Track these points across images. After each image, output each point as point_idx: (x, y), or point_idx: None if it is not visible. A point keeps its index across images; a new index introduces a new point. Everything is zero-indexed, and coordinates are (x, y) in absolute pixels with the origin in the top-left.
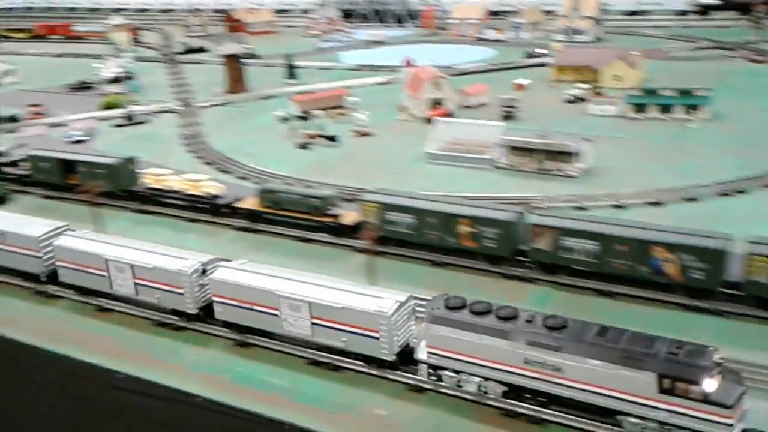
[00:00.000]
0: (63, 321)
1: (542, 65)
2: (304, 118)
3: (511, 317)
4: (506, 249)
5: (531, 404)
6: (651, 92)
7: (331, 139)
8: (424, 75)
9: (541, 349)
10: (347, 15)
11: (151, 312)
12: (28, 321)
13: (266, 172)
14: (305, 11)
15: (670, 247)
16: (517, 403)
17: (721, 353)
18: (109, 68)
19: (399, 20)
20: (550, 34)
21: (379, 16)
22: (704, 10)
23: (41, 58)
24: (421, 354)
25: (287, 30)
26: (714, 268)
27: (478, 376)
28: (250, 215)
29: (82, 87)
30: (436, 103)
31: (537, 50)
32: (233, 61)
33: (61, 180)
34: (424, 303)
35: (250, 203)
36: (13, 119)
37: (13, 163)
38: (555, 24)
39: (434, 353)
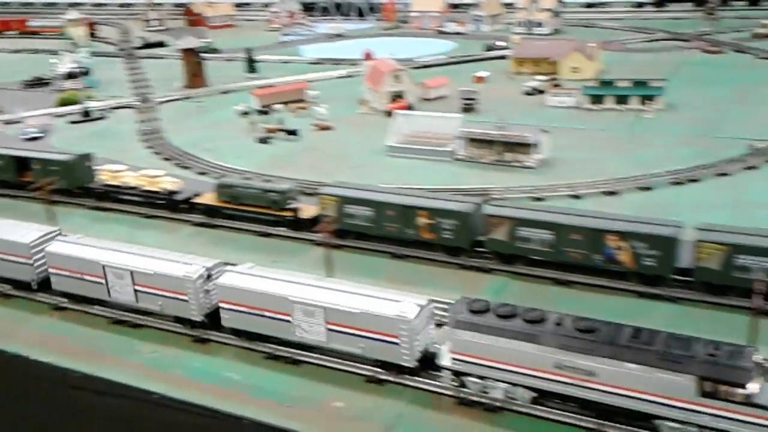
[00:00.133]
0: (17, 320)
1: (502, 57)
2: (264, 113)
3: (539, 320)
4: (464, 240)
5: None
6: (607, 84)
7: (292, 133)
8: (384, 68)
9: (573, 353)
10: (308, 8)
11: (105, 309)
12: None
13: (226, 167)
14: (266, 5)
15: (623, 235)
16: (467, 390)
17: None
18: (65, 64)
19: (360, 13)
20: (509, 26)
21: (341, 10)
22: (661, 2)
23: None
24: (445, 360)
25: (248, 24)
26: (665, 256)
27: (505, 382)
28: (209, 210)
29: (38, 83)
30: (397, 96)
31: (497, 43)
32: (192, 55)
33: (14, 178)
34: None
35: (209, 198)
36: None
37: None
38: (515, 16)
39: (458, 359)
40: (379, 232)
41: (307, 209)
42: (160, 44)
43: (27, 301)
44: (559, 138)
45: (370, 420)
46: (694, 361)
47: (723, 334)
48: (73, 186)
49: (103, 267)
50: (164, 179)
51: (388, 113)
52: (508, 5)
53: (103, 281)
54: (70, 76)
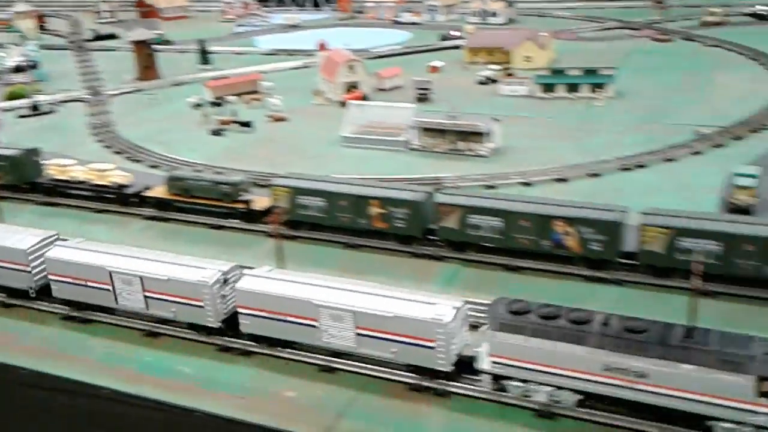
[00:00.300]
0: None
1: (457, 47)
2: (217, 104)
3: (585, 321)
4: (416, 228)
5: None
6: (559, 72)
7: (245, 124)
8: (338, 58)
9: (623, 355)
10: None
11: (56, 306)
12: None
13: (178, 159)
14: None
15: (570, 220)
16: (420, 376)
17: None
18: (13, 57)
19: (315, 4)
20: (464, 16)
21: (295, 0)
22: None
23: None
24: (484, 364)
25: (202, 15)
26: (611, 240)
27: (550, 385)
28: (160, 204)
29: None
30: (352, 87)
31: (452, 33)
32: (143, 47)
33: None
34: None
35: (160, 192)
36: None
37: None
38: (469, 6)
39: (500, 362)
40: (332, 223)
41: (260, 201)
42: (112, 36)
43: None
44: (512, 126)
45: (322, 408)
46: (753, 360)
47: (665, 315)
48: (20, 182)
49: (110, 273)
50: (113, 173)
51: (343, 104)
52: None
53: (110, 288)
54: (18, 69)
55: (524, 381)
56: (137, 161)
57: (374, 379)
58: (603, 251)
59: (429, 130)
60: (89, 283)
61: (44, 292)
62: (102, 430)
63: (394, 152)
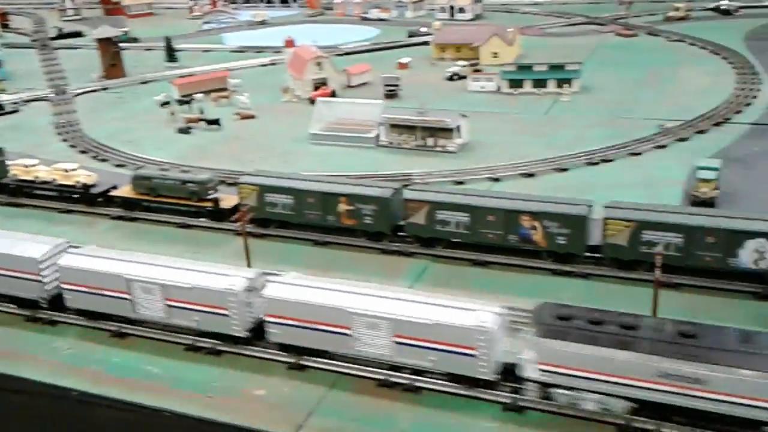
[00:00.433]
0: None
1: (425, 44)
2: (184, 102)
3: (636, 326)
4: (384, 225)
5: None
6: (526, 68)
7: (213, 122)
8: (306, 55)
9: (678, 361)
10: None
11: (20, 308)
12: None
13: (145, 158)
14: None
15: (536, 215)
16: (392, 373)
17: None
18: None
19: (283, 0)
20: (432, 12)
21: None
22: None
23: None
24: (530, 371)
25: (169, 12)
26: (576, 234)
27: (600, 393)
28: (126, 203)
29: None
30: (320, 84)
31: (420, 29)
32: (109, 45)
33: None
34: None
35: (126, 191)
36: None
37: None
38: (437, 2)
39: (546, 370)
40: (300, 220)
41: (228, 199)
42: (78, 34)
43: None
44: (480, 122)
45: (292, 406)
46: None
47: (630, 306)
48: None
49: (128, 281)
50: (78, 172)
51: (312, 101)
52: None
53: (128, 296)
54: None
55: (571, 389)
56: (103, 160)
57: (344, 376)
58: (568, 245)
59: (397, 127)
60: (105, 292)
61: (55, 302)
62: None
63: (362, 149)
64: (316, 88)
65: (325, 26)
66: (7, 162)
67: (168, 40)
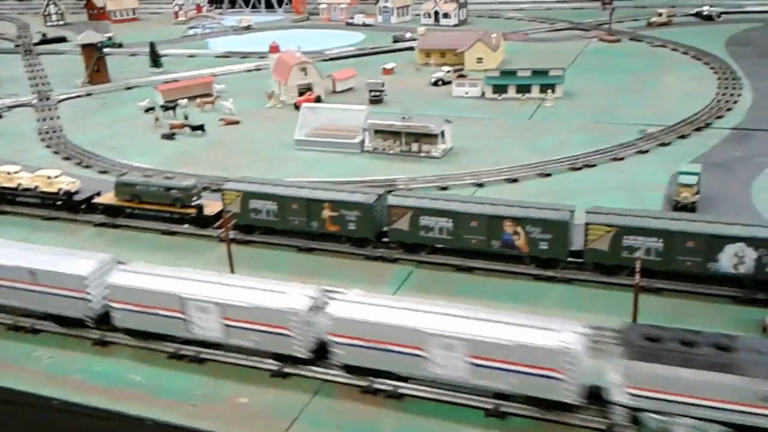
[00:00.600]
0: None
1: (411, 49)
2: (168, 108)
3: (732, 347)
4: (368, 231)
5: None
6: (509, 73)
7: (198, 128)
8: (290, 61)
9: None
10: (216, 1)
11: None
12: None
13: (129, 164)
14: None
15: (518, 220)
16: (376, 379)
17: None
18: None
19: (269, 5)
20: (417, 18)
21: (249, 2)
22: None
23: None
24: (618, 395)
25: (153, 17)
26: (559, 239)
27: (694, 418)
28: (110, 210)
29: None
30: (306, 89)
31: (406, 34)
32: (93, 50)
33: None
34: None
35: (109, 198)
36: None
37: None
38: (422, 8)
39: (636, 394)
40: (284, 226)
41: (212, 206)
42: (62, 39)
43: None
44: (464, 128)
45: (275, 413)
46: None
47: (611, 311)
48: None
49: (182, 299)
50: (61, 179)
51: (296, 106)
52: None
53: (182, 316)
54: None
55: (663, 413)
56: (87, 167)
57: (326, 383)
58: (551, 250)
59: (382, 132)
60: (157, 311)
61: (102, 321)
62: None
63: (347, 154)
64: (301, 94)
65: (310, 31)
66: None
67: (152, 46)
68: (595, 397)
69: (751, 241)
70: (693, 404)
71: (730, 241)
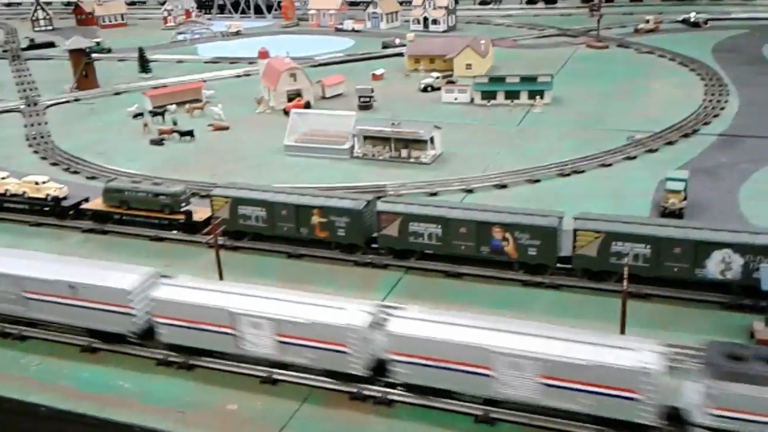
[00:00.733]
0: None
1: (400, 55)
2: (157, 114)
3: None
4: (358, 237)
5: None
6: (498, 80)
7: (187, 134)
8: (279, 66)
9: None
10: (205, 6)
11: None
12: None
13: (117, 170)
14: (161, 3)
15: (507, 227)
16: (364, 385)
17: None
18: None
19: (258, 11)
20: (407, 24)
21: (238, 7)
22: None
23: None
24: (700, 417)
25: (142, 22)
26: (547, 245)
27: None
28: (98, 216)
29: None
30: (296, 95)
31: (395, 40)
32: (81, 56)
33: None
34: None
35: (97, 204)
36: None
37: None
38: (411, 14)
39: (723, 416)
40: (273, 232)
41: (201, 212)
42: (50, 45)
43: None
44: (453, 134)
45: (264, 420)
46: None
47: (600, 316)
48: None
49: (232, 315)
50: (49, 185)
51: (286, 112)
52: (405, 3)
53: (232, 331)
54: None
55: None
56: (75, 173)
57: (316, 390)
58: (539, 256)
59: (371, 138)
60: (206, 327)
61: (146, 336)
62: None
63: (337, 160)
64: (290, 100)
65: (299, 37)
66: None
67: (141, 51)
68: (674, 418)
69: (738, 247)
70: None
71: (717, 247)
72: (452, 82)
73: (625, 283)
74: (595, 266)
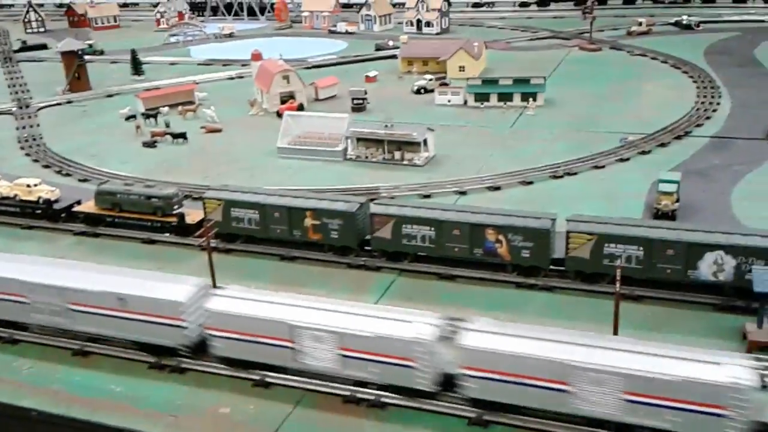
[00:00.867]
0: None
1: (393, 57)
2: (150, 116)
3: None
4: (351, 239)
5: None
6: (491, 82)
7: (179, 136)
8: (272, 69)
9: None
10: (197, 8)
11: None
12: None
13: (109, 173)
14: (154, 5)
15: (500, 229)
16: (358, 389)
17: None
18: None
19: (251, 13)
20: (400, 26)
21: (231, 9)
22: (544, 2)
23: None
24: None
25: (135, 24)
26: (540, 247)
27: None
28: (90, 219)
29: None
30: (290, 97)
31: (389, 42)
32: (73, 58)
33: None
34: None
35: (89, 206)
36: None
37: None
38: (405, 16)
39: None
40: (266, 235)
41: (194, 214)
42: (42, 47)
43: None
44: (446, 136)
45: (257, 423)
46: None
47: (593, 318)
48: None
49: (292, 327)
50: (41, 188)
51: (279, 114)
52: (399, 5)
53: (291, 345)
54: None
55: None
56: (67, 175)
57: (309, 393)
58: (533, 258)
59: (365, 140)
60: (263, 340)
61: (198, 349)
62: None
63: (330, 162)
64: (284, 102)
65: (293, 39)
66: None
67: (134, 53)
68: None
69: (730, 249)
70: None
71: (709, 249)
72: (445, 84)
73: (617, 284)
74: (588, 268)
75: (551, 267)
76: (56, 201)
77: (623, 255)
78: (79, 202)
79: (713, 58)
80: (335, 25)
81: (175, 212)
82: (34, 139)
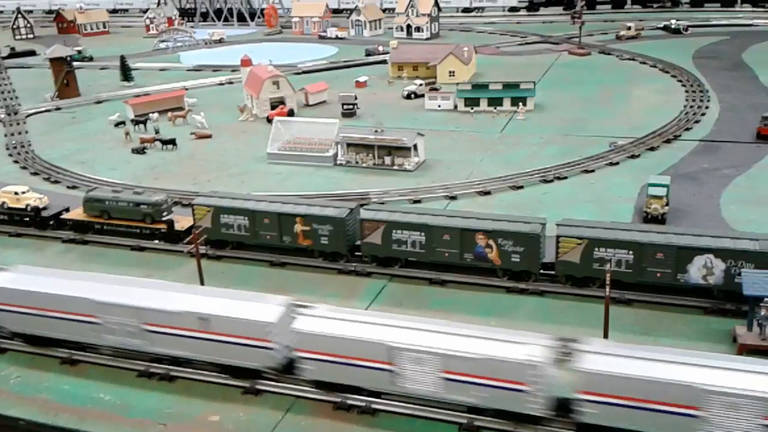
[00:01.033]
0: None
1: (384, 62)
2: (139, 122)
3: None
4: (341, 245)
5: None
6: (481, 87)
7: (169, 142)
8: (262, 74)
9: None
10: (188, 14)
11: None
12: None
13: (98, 179)
14: (144, 11)
15: (490, 233)
16: (349, 395)
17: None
18: None
19: (241, 19)
20: (390, 31)
21: (221, 15)
22: (533, 7)
23: None
24: None
25: (124, 30)
26: (530, 251)
27: None
28: (78, 226)
29: None
30: (280, 103)
31: (378, 48)
32: (62, 64)
33: None
34: None
35: (78, 214)
36: None
37: None
38: (394, 21)
39: None
40: (256, 241)
41: (183, 221)
42: (31, 53)
43: None
44: (436, 141)
45: (247, 431)
46: None
47: (583, 322)
48: None
49: (391, 350)
50: (29, 195)
51: (269, 120)
52: (389, 10)
53: (390, 367)
54: None
55: None
56: (56, 182)
57: (299, 400)
58: (523, 263)
59: (355, 146)
60: (358, 362)
61: (284, 371)
62: None
63: (320, 168)
64: (274, 107)
65: (282, 45)
66: None
67: (123, 59)
68: None
69: (720, 252)
70: None
71: (699, 253)
72: (435, 89)
73: (607, 289)
74: (578, 272)
75: (541, 271)
76: (44, 208)
77: (613, 259)
78: (67, 210)
79: (702, 62)
80: (325, 31)
81: (164, 219)
82: (23, 146)
